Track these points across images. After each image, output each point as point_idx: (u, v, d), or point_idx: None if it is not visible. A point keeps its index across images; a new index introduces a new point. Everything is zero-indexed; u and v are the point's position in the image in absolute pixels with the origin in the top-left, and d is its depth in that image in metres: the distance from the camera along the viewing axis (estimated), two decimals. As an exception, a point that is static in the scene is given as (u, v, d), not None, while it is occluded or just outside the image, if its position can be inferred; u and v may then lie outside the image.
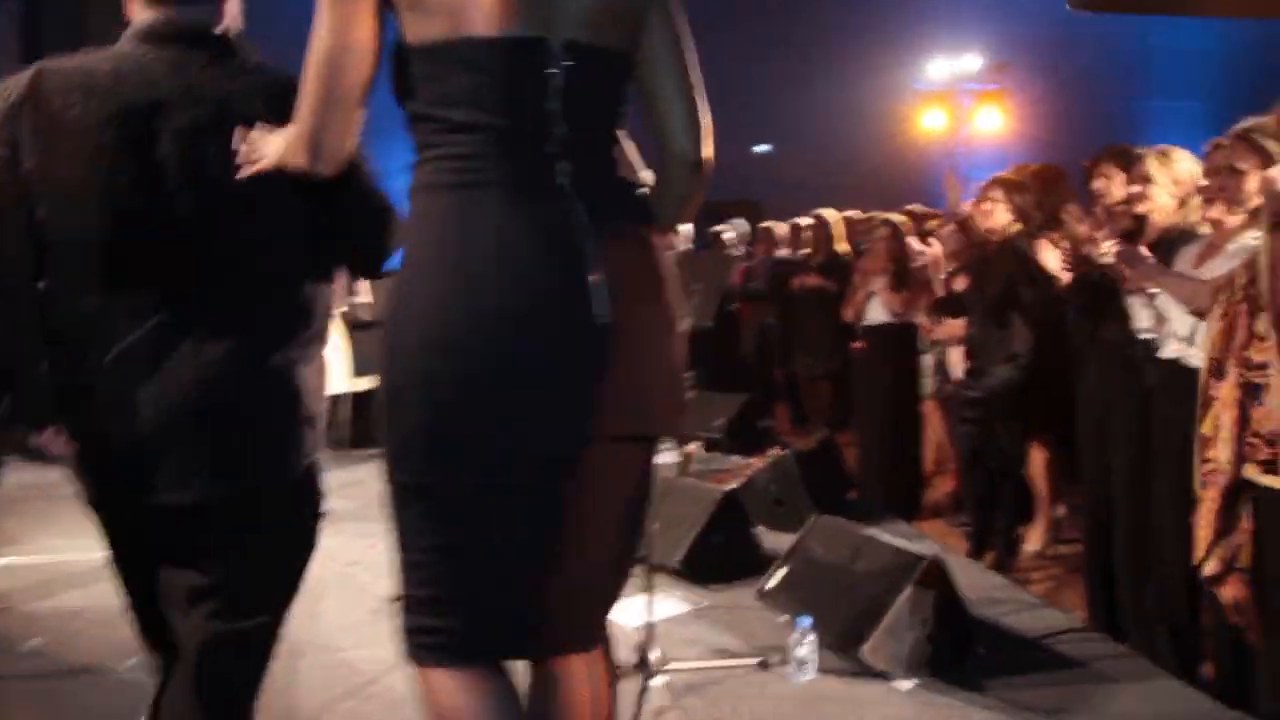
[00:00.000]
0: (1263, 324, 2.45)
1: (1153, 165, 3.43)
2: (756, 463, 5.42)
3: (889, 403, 5.46)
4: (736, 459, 5.58)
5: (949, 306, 5.08)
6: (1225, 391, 2.52)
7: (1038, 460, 4.75)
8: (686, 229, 3.58)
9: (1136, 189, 3.44)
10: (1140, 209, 3.48)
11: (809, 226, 7.28)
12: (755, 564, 3.62)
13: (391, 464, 1.41)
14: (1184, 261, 3.28)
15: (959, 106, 13.25)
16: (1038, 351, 4.32)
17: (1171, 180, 3.41)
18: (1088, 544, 3.76)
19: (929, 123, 13.23)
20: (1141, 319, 3.37)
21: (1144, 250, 2.95)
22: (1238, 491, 2.51)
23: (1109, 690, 2.73)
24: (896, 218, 5.63)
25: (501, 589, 1.41)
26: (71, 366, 1.71)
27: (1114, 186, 3.98)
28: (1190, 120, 12.88)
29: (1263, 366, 2.44)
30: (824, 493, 4.18)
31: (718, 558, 3.58)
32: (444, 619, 1.41)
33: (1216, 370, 2.55)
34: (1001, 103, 13.03)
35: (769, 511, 4.11)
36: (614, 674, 1.57)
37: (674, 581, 3.54)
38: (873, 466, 5.49)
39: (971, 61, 13.00)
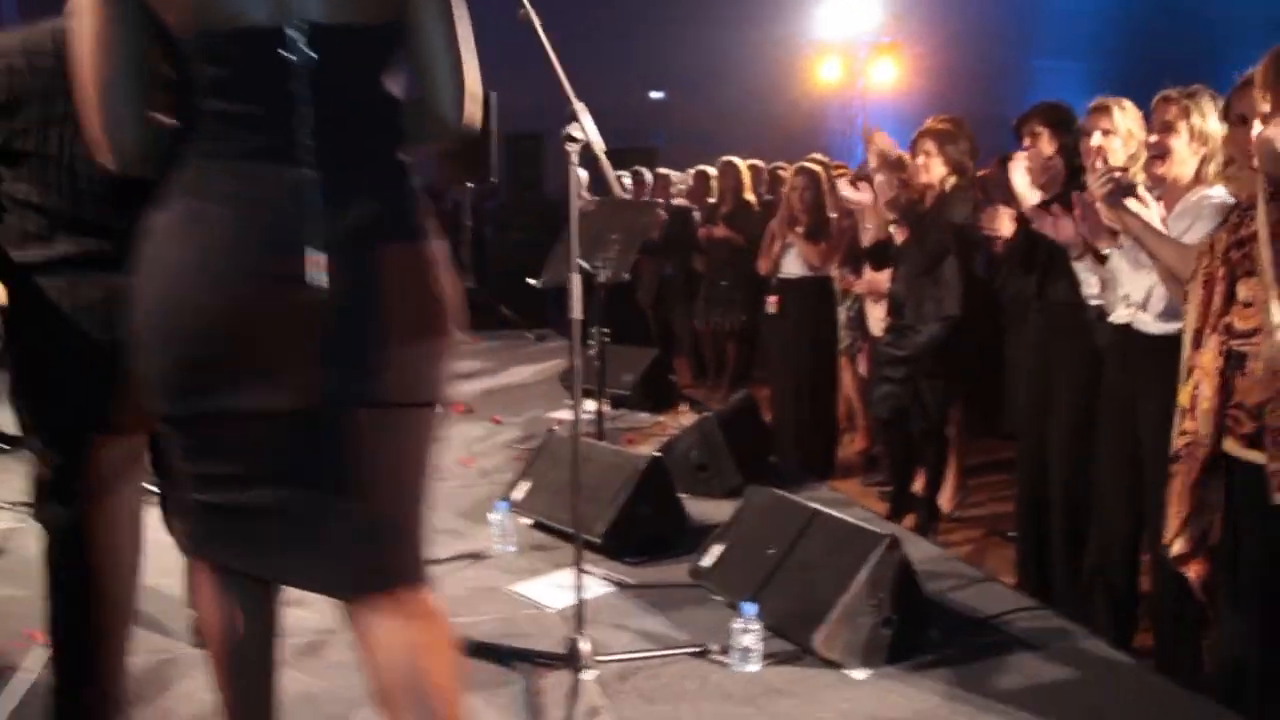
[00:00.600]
0: (1245, 289, 2.29)
1: (1119, 116, 3.27)
2: (668, 421, 5.18)
3: (806, 360, 5.27)
4: (645, 416, 5.32)
5: (870, 258, 4.89)
6: (1205, 360, 2.35)
7: (951, 420, 4.63)
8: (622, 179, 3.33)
9: (1099, 141, 3.27)
10: (1113, 161, 3.31)
11: (716, 175, 7.02)
12: (684, 538, 3.35)
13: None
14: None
15: (855, 59, 13.14)
16: (965, 309, 4.18)
17: (1128, 133, 3.26)
18: (1021, 509, 3.64)
19: (825, 74, 13.09)
20: (1089, 282, 3.21)
21: (1138, 202, 2.74)
22: (1213, 467, 2.36)
23: (1070, 674, 2.57)
24: (813, 166, 5.39)
25: (213, 510, 1.56)
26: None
27: (1044, 144, 3.84)
28: (1078, 79, 13.09)
29: (1248, 334, 2.27)
30: (746, 456, 3.94)
31: (643, 530, 3.31)
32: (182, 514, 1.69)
33: (1197, 340, 2.39)
34: (897, 56, 12.98)
35: (692, 477, 3.85)
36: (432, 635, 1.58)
37: (595, 558, 3.26)
38: (789, 426, 5.30)
39: (868, 13, 12.89)
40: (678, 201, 7.50)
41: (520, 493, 3.62)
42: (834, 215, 5.25)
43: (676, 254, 7.24)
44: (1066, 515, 3.33)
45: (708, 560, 2.96)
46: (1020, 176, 3.47)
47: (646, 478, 3.32)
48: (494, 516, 3.42)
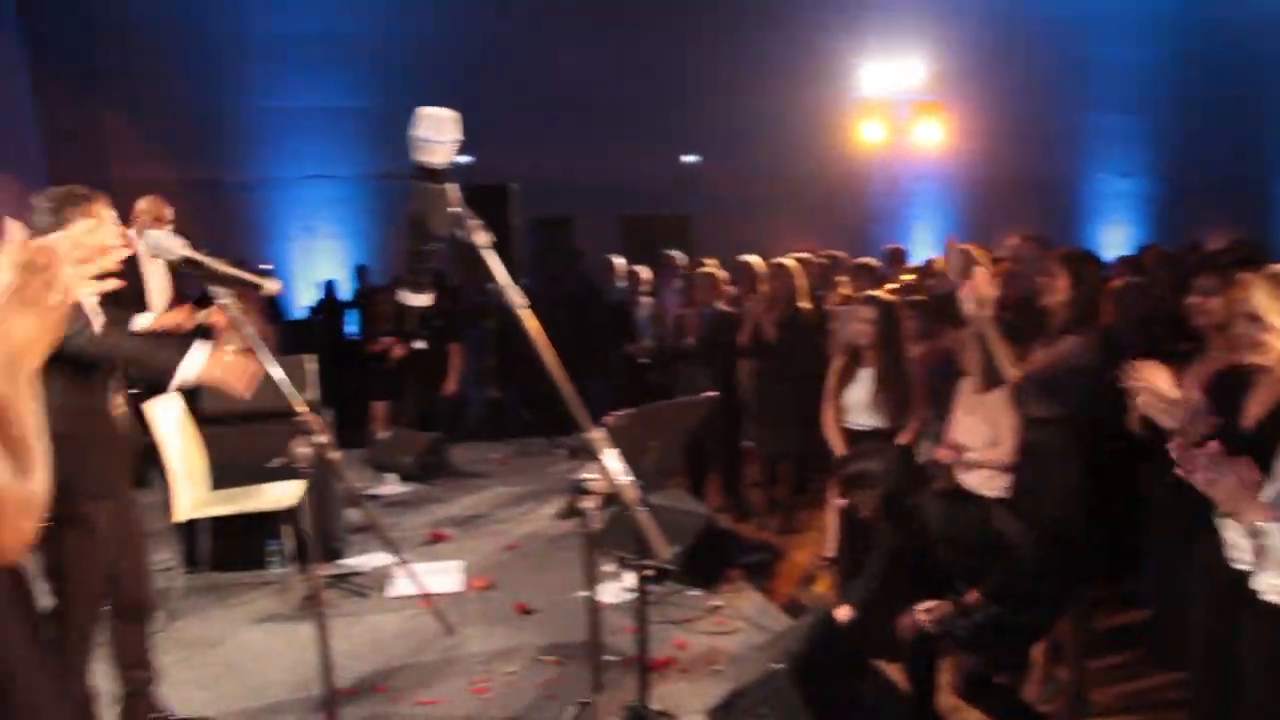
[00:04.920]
0: None
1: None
2: (724, 603, 4.41)
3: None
4: (697, 594, 4.56)
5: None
6: None
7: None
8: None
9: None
10: None
11: (767, 277, 6.19)
12: None
13: None
14: None
15: (897, 118, 12.46)
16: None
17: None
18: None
19: (866, 135, 12.38)
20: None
21: None
22: None
23: None
24: (886, 294, 4.60)
25: None
26: None
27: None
28: (1126, 134, 12.35)
29: None
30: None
31: None
32: None
33: None
34: (941, 114, 12.28)
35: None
36: None
37: None
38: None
39: (910, 71, 12.22)
40: (721, 306, 6.57)
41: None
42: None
43: (717, 364, 6.37)
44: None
45: None
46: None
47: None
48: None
